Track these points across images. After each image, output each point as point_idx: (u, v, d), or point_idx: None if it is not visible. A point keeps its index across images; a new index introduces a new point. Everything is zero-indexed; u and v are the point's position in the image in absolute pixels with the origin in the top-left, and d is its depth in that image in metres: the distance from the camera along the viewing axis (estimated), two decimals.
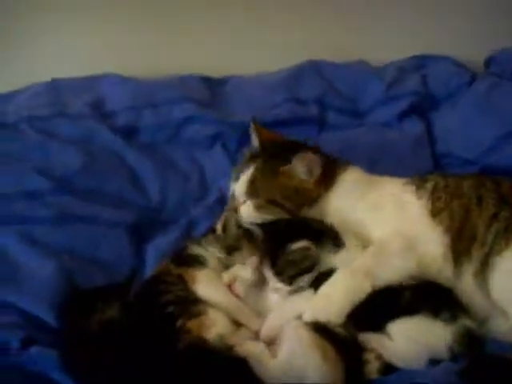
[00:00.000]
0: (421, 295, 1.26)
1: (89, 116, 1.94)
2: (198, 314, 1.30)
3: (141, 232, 1.68)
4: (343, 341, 1.20)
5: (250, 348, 1.23)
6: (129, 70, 2.10)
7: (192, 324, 1.27)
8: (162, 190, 1.84)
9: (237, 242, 1.43)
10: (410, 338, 1.22)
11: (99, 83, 2.06)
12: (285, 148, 1.51)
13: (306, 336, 1.18)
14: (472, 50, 2.17)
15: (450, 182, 1.43)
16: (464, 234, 1.33)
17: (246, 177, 1.47)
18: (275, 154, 1.49)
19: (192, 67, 2.13)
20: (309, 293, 1.32)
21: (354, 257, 1.33)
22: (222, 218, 1.49)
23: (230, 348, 1.24)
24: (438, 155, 1.94)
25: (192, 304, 1.33)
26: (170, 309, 1.30)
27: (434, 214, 1.37)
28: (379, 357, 1.23)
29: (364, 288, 1.27)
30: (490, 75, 2.08)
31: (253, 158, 1.51)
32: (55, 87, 2.04)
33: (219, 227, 1.48)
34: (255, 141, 1.59)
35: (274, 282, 1.35)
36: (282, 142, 1.59)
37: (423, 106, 2.05)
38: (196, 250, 1.46)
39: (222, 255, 1.41)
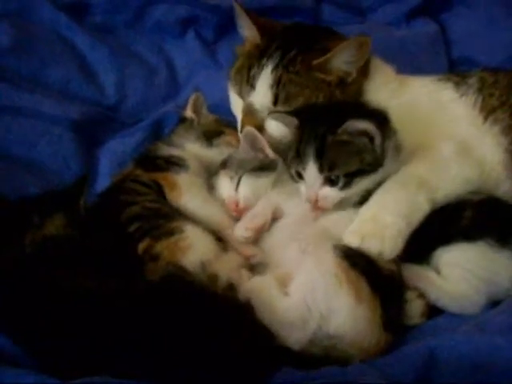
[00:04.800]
0: (485, 215, 0.98)
1: None
2: (171, 233, 0.97)
3: (92, 132, 1.42)
4: (385, 276, 0.88)
5: (254, 284, 0.89)
6: None
7: (162, 246, 0.96)
8: (119, 84, 1.56)
9: (214, 126, 1.20)
10: (465, 271, 0.93)
11: None
12: (306, 35, 1.19)
13: (335, 266, 0.85)
14: None
15: (501, 77, 1.22)
16: None
17: (266, 81, 1.13)
18: (296, 45, 1.15)
19: None
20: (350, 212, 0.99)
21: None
22: (191, 99, 1.24)
23: (215, 279, 0.92)
24: (454, 61, 1.75)
25: (164, 219, 1.00)
26: (134, 226, 0.98)
27: (487, 112, 1.17)
28: (423, 296, 0.95)
29: (420, 204, 0.99)
30: None
31: (261, 52, 1.17)
32: None
33: (189, 111, 1.22)
34: (248, 27, 1.21)
35: (316, 185, 0.95)
36: (294, 27, 1.24)
37: (434, 6, 1.84)
38: (169, 150, 1.16)
39: (200, 145, 1.16)
